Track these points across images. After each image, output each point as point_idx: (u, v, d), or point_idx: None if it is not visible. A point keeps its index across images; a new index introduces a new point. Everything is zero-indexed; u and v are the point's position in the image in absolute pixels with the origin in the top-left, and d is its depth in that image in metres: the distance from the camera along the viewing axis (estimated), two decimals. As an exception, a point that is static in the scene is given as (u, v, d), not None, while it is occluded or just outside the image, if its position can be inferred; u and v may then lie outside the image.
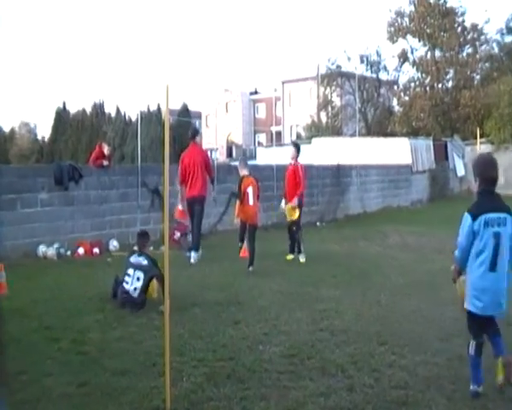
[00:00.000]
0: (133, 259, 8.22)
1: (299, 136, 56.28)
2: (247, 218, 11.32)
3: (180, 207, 12.92)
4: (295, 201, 12.58)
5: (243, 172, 11.58)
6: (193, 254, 12.69)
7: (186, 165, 12.90)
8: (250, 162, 14.64)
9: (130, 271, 8.07)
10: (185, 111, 57.95)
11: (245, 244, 11.69)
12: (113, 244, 14.33)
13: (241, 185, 11.35)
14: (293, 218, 12.67)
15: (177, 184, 12.99)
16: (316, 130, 49.24)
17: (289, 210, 12.70)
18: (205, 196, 13.03)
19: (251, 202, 11.27)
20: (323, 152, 31.15)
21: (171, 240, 13.82)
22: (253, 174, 11.95)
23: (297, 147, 13.04)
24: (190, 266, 12.47)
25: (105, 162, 14.63)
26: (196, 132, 13.77)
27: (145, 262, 8.10)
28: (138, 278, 8.01)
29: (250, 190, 11.35)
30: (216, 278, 10.87)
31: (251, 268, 11.19)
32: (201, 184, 12.92)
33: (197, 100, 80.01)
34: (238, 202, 11.39)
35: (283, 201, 12.91)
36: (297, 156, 12.85)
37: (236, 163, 13.20)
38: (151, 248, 12.07)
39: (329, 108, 53.42)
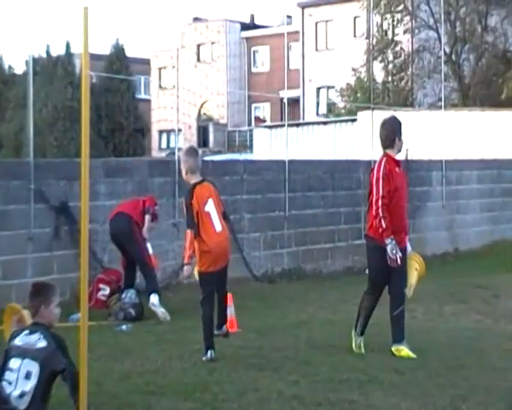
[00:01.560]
0: (20, 340, 6.23)
1: (332, 106, 40.50)
2: (216, 259, 8.24)
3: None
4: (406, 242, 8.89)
5: (192, 177, 8.43)
6: (153, 297, 10.43)
7: None
8: (243, 155, 12.00)
9: (14, 363, 6.13)
10: (120, 58, 39.05)
11: (230, 309, 9.04)
12: None
13: (193, 202, 8.29)
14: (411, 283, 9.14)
15: None
16: (364, 96, 33.77)
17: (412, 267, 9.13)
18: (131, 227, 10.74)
19: (217, 226, 8.25)
20: (378, 136, 24.68)
21: (94, 301, 11.30)
22: (209, 178, 8.93)
23: (393, 125, 8.93)
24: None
25: None
26: None
27: (41, 344, 6.13)
28: (28, 375, 6.10)
29: (210, 206, 8.33)
30: (177, 372, 8.09)
31: (209, 354, 8.22)
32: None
33: (142, 39, 58.79)
34: (190, 235, 8.27)
35: (390, 241, 8.57)
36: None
37: (213, 158, 10.86)
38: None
39: (390, 55, 36.88)
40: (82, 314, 5.43)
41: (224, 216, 8.72)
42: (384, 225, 8.34)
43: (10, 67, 39.10)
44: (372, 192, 8.58)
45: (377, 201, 8.42)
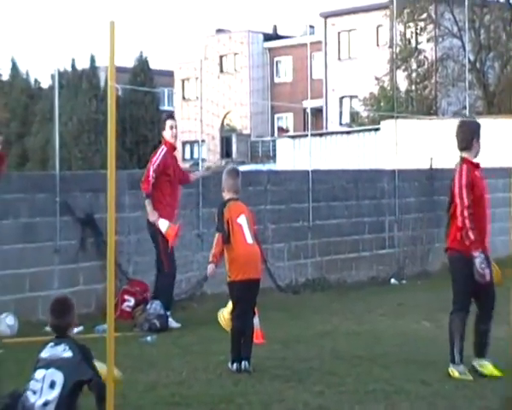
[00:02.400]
0: (45, 352, 6.23)
1: (355, 116, 40.30)
2: (245, 267, 8.19)
3: (166, 224, 10.41)
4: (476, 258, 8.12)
5: (228, 195, 8.65)
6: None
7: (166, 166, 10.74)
8: (266, 166, 12.03)
9: (39, 373, 6.10)
10: (144, 71, 39.18)
11: (256, 321, 8.79)
12: (8, 323, 10.58)
13: (225, 211, 8.45)
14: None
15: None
16: (388, 104, 34.00)
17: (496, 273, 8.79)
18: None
19: (248, 238, 8.24)
20: (402, 145, 24.55)
21: (119, 312, 11.13)
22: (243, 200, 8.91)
23: (471, 126, 8.69)
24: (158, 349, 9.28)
25: None
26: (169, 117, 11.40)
27: (67, 354, 6.18)
28: (52, 384, 6.03)
29: (243, 220, 8.40)
30: (202, 383, 7.96)
31: (235, 366, 8.17)
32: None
33: (166, 51, 58.66)
34: (219, 239, 8.26)
35: (479, 255, 8.12)
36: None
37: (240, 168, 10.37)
38: (79, 328, 9.45)
39: (413, 63, 36.55)
40: (108, 326, 5.40)
41: (258, 241, 8.62)
42: (472, 238, 7.96)
43: (36, 81, 39.38)
44: (455, 202, 8.17)
45: (462, 212, 8.03)
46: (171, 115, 11.73)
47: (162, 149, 10.74)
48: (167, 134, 10.78)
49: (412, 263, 16.53)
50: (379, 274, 15.32)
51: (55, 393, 6.30)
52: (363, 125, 31.13)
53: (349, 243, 14.82)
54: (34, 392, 6.33)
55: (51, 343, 6.55)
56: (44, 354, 6.47)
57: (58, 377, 6.33)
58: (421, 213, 16.84)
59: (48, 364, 6.39)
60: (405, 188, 16.75)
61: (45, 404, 6.24)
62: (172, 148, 10.87)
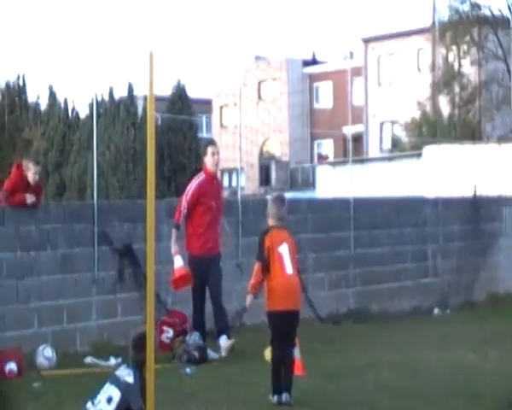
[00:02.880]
0: (118, 370, 6.84)
1: (396, 141, 39.24)
2: (283, 297, 8.09)
3: (180, 263, 10.36)
4: None
5: (272, 221, 8.51)
6: (222, 340, 10.27)
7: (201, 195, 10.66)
8: (306, 193, 11.36)
9: (105, 386, 6.66)
10: (182, 99, 38.11)
11: (297, 352, 8.68)
12: (45, 355, 10.28)
13: (265, 238, 8.29)
14: None
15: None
16: (430, 130, 33.67)
17: None
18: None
19: (288, 268, 8.11)
20: (445, 171, 22.89)
21: (158, 344, 10.86)
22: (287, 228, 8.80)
23: None
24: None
25: (29, 198, 10.60)
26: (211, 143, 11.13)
27: (129, 379, 6.60)
28: (109, 400, 6.54)
29: (284, 250, 8.22)
30: None
31: (276, 398, 8.00)
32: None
33: (204, 79, 57.57)
34: (258, 269, 8.15)
35: None
36: None
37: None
38: (118, 359, 9.69)
39: (456, 87, 35.60)
40: (148, 358, 5.39)
41: (299, 273, 8.47)
42: None
43: (74, 110, 39.70)
44: None
45: None
46: (212, 142, 11.63)
47: (198, 177, 10.60)
48: (209, 161, 10.61)
49: (456, 293, 16.24)
50: (422, 304, 15.11)
51: (110, 408, 6.65)
52: (405, 151, 30.61)
53: (391, 272, 14.68)
54: (93, 402, 6.70)
55: (125, 364, 7.08)
56: (117, 371, 6.92)
57: (116, 394, 6.69)
58: (465, 242, 16.53)
59: (113, 380, 6.79)
60: (449, 216, 16.51)
61: None
62: (211, 176, 10.71)
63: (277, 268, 8.09)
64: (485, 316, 14.71)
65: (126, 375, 6.90)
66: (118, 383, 6.82)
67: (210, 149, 10.70)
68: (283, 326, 8.10)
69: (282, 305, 7.94)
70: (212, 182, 10.70)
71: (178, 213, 10.45)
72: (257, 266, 8.15)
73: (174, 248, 10.32)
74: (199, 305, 10.65)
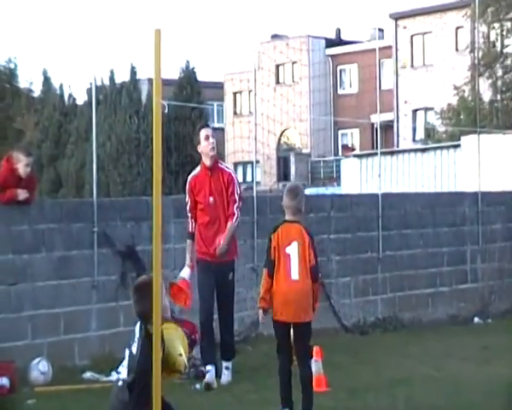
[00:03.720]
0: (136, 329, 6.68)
1: (431, 131, 39.77)
2: (284, 305, 8.17)
3: (184, 274, 10.20)
4: None
5: (286, 214, 8.54)
6: (225, 368, 10.24)
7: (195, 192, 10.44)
8: (329, 189, 11.79)
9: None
10: (191, 83, 37.82)
11: (318, 366, 9.09)
12: (40, 369, 10.47)
13: (273, 236, 8.37)
14: None
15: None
16: (469, 117, 33.10)
17: None
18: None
19: (294, 273, 8.13)
20: (486, 163, 24.33)
21: None
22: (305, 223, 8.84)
23: None
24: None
25: (21, 194, 10.76)
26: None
27: (134, 349, 6.46)
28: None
29: (293, 250, 8.20)
30: None
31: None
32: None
33: (215, 60, 58.41)
34: (264, 273, 8.28)
35: None
36: None
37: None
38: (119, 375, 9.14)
39: (498, 70, 35.48)
40: (154, 372, 5.42)
41: (313, 275, 8.36)
42: None
43: (71, 97, 39.83)
44: None
45: None
46: (206, 124, 11.45)
47: (191, 176, 10.30)
48: (203, 147, 10.09)
49: (499, 299, 16.41)
50: (460, 312, 15.28)
51: (123, 376, 6.63)
52: (441, 142, 30.86)
53: (425, 276, 14.85)
54: (117, 371, 6.72)
55: (139, 323, 6.86)
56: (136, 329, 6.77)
57: (123, 368, 6.69)
58: (508, 242, 16.81)
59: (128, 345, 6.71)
60: (490, 213, 16.70)
61: (120, 379, 6.60)
62: (205, 167, 10.21)
63: (281, 272, 8.12)
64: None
65: (133, 344, 6.77)
66: (127, 353, 6.70)
67: (203, 132, 10.19)
68: (283, 337, 8.19)
69: (280, 315, 8.03)
70: (207, 173, 10.20)
71: (188, 223, 10.46)
72: (265, 271, 8.20)
73: (188, 259, 10.32)
74: (205, 313, 10.65)
